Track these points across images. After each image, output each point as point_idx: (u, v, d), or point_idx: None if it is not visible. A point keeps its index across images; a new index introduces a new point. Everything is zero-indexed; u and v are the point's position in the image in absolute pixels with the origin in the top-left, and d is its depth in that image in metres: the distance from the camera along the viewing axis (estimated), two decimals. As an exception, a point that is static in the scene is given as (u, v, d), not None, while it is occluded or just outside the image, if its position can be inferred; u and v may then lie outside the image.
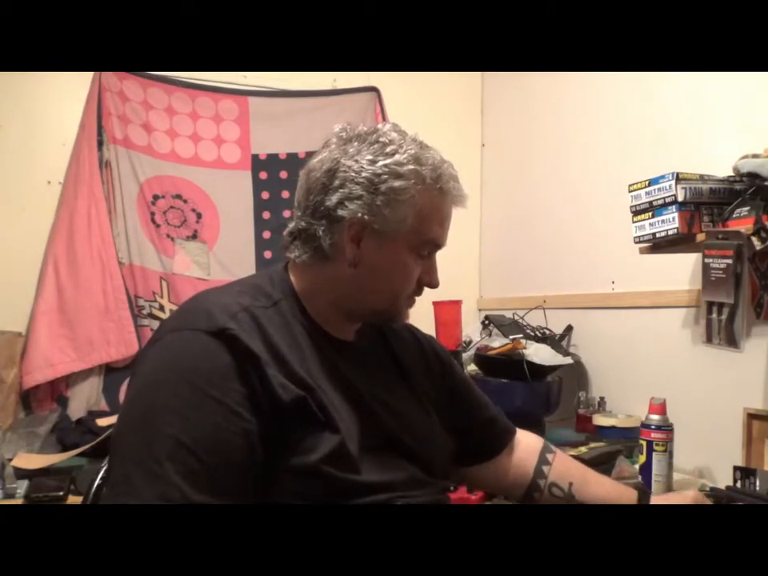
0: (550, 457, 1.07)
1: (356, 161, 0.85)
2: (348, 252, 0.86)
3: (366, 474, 0.83)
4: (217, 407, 0.75)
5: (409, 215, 0.86)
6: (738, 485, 1.23)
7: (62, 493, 1.40)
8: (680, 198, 1.27)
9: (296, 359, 0.82)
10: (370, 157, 0.85)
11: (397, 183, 0.84)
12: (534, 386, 1.77)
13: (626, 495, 1.03)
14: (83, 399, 1.97)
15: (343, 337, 0.93)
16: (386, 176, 0.84)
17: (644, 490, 1.05)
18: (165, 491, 0.70)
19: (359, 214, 0.84)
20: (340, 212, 0.84)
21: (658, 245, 1.38)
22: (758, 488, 1.19)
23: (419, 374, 1.02)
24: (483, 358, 1.90)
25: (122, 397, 2.03)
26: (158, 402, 0.75)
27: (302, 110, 2.31)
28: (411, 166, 0.85)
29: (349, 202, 0.84)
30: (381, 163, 0.84)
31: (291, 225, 0.91)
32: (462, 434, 1.03)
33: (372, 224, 0.85)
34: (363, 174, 0.84)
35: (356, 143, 0.87)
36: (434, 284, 0.93)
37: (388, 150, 0.85)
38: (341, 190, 0.84)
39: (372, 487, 0.83)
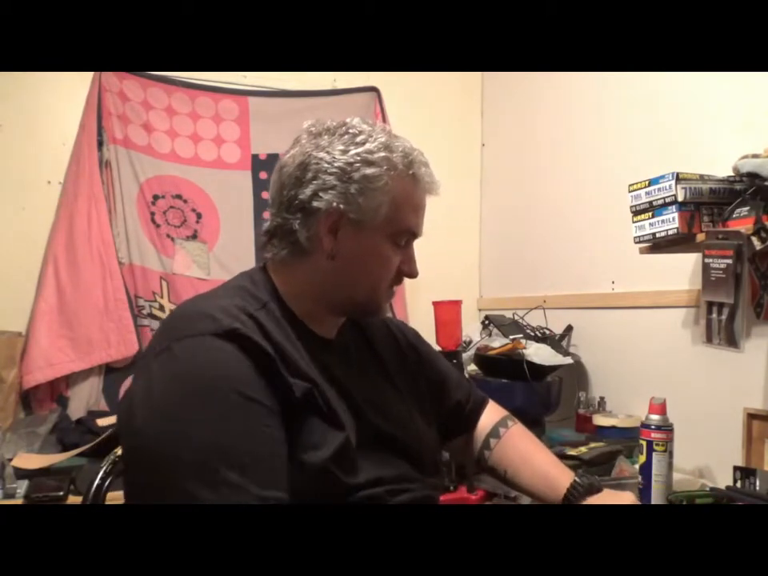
0: (492, 442, 1.08)
1: (328, 152, 0.85)
2: (326, 244, 0.86)
3: (367, 470, 0.84)
4: (251, 405, 0.75)
5: (383, 203, 0.86)
6: (738, 485, 1.23)
7: (62, 493, 1.40)
8: (680, 198, 1.27)
9: (297, 358, 0.83)
10: (341, 147, 0.85)
11: (369, 170, 0.84)
12: (534, 386, 1.77)
13: (553, 493, 0.98)
14: (83, 399, 1.97)
15: (327, 335, 0.93)
16: (358, 164, 0.84)
17: (579, 487, 0.96)
18: (234, 495, 0.70)
19: (334, 204, 0.84)
20: (315, 203, 0.84)
21: (657, 245, 1.38)
22: (758, 488, 1.19)
23: (397, 367, 1.02)
24: (483, 358, 1.90)
25: (121, 397, 2.03)
26: (192, 415, 0.73)
27: (302, 110, 2.31)
28: (382, 153, 0.86)
29: (323, 193, 0.84)
30: (353, 152, 0.85)
31: (266, 224, 0.91)
32: (439, 415, 1.05)
33: (348, 213, 0.85)
34: (336, 164, 0.84)
35: (326, 136, 0.87)
36: (413, 274, 0.93)
37: (358, 139, 0.86)
38: (314, 182, 0.84)
39: (363, 485, 0.83)
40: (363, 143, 0.85)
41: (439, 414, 1.06)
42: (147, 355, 0.81)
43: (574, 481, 0.97)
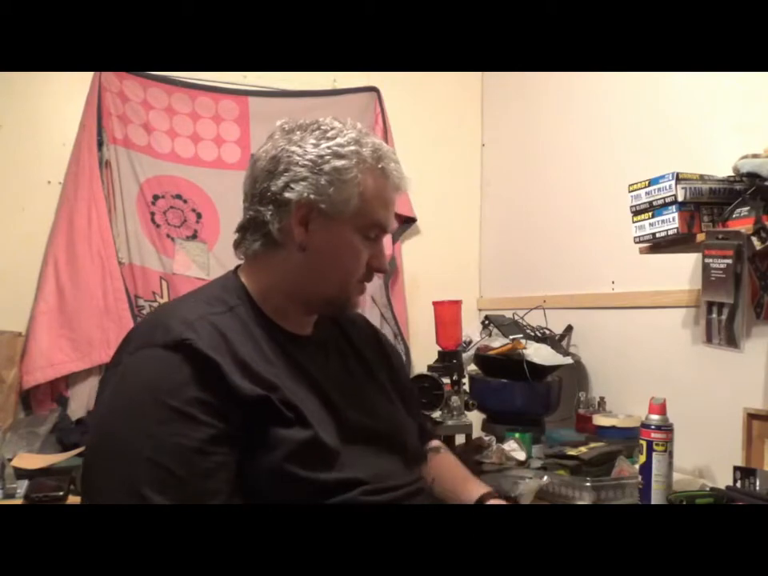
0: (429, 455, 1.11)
1: (299, 146, 0.88)
2: (297, 235, 0.88)
3: (343, 469, 0.85)
4: (182, 419, 0.75)
5: (353, 195, 0.88)
6: (738, 485, 1.23)
7: (61, 493, 1.40)
8: (680, 198, 1.27)
9: (258, 361, 0.83)
10: (313, 141, 0.88)
11: (339, 163, 0.87)
12: (534, 386, 1.77)
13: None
14: (83, 399, 1.96)
15: (302, 332, 0.94)
16: (328, 156, 0.87)
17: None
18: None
19: (305, 195, 0.86)
20: (287, 194, 0.86)
21: (658, 245, 1.38)
22: (758, 488, 1.19)
23: (380, 364, 1.04)
24: (483, 358, 1.89)
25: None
26: (126, 426, 0.76)
27: (301, 110, 2.31)
28: (352, 147, 0.88)
29: (294, 184, 0.86)
30: (324, 145, 0.87)
31: (241, 221, 0.93)
32: None
33: (318, 204, 0.87)
34: (307, 157, 0.87)
35: (299, 132, 0.90)
36: (382, 268, 0.96)
37: (329, 134, 0.89)
38: (286, 174, 0.87)
39: (337, 483, 0.84)
40: (334, 137, 0.88)
41: None
42: (111, 364, 0.86)
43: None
